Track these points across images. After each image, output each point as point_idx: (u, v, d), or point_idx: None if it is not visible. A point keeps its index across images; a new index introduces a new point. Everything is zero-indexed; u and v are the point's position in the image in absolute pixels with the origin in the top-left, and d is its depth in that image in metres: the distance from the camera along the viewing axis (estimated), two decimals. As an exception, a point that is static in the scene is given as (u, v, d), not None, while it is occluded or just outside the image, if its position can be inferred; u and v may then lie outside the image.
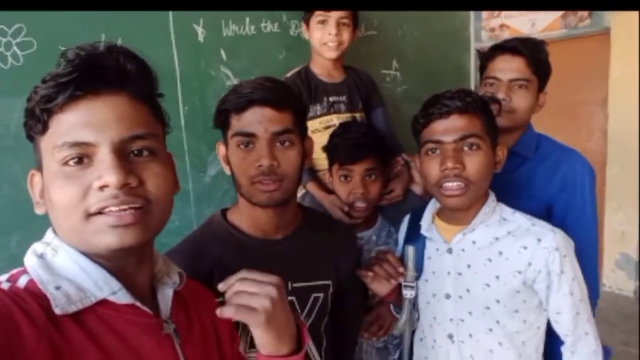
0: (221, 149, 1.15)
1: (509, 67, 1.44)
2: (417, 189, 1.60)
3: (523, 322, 1.18)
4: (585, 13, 4.16)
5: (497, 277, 1.16)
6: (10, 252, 1.43)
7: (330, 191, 1.58)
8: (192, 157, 1.74)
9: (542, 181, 1.44)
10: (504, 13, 4.59)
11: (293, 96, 1.13)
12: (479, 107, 1.15)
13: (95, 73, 0.66)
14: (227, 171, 1.15)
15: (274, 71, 1.78)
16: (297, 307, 1.15)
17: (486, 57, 1.51)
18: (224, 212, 1.20)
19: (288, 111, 1.08)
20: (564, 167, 1.45)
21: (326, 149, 1.53)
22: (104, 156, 0.64)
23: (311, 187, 1.67)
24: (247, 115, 1.06)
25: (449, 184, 1.13)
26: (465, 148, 1.13)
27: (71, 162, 0.64)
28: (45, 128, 0.65)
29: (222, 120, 1.11)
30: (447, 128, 1.13)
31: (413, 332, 1.35)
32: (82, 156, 0.64)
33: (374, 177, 1.47)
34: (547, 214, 1.41)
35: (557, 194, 1.42)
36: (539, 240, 1.14)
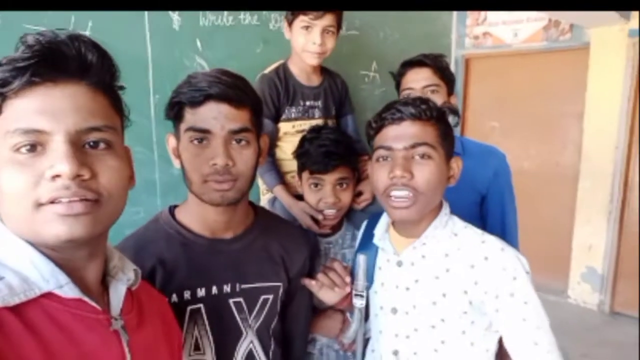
0: (171, 140, 1.10)
1: (419, 77, 1.67)
2: None
3: (470, 344, 1.12)
4: (566, 27, 4.21)
5: (444, 295, 1.11)
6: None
7: (298, 196, 1.55)
8: (161, 147, 1.68)
9: (477, 173, 1.64)
10: (488, 21, 4.63)
11: (251, 92, 1.08)
12: (434, 115, 1.11)
13: (55, 61, 0.64)
14: (177, 165, 1.10)
15: (251, 64, 1.75)
16: (245, 308, 1.12)
17: (399, 73, 1.73)
18: (172, 209, 1.16)
19: (246, 109, 1.05)
20: (494, 160, 1.71)
21: (296, 154, 1.49)
22: (58, 145, 0.63)
23: (279, 191, 1.63)
24: (202, 110, 1.01)
25: (396, 193, 1.08)
26: (416, 157, 1.08)
27: (23, 150, 0.63)
28: None
29: (174, 113, 1.06)
30: (398, 134, 1.09)
31: (368, 341, 1.32)
32: (35, 144, 0.63)
33: (345, 186, 1.44)
34: (480, 201, 1.69)
35: (491, 182, 1.68)
36: (486, 258, 1.09)
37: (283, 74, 1.71)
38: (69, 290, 0.66)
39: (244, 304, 1.12)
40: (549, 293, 4.16)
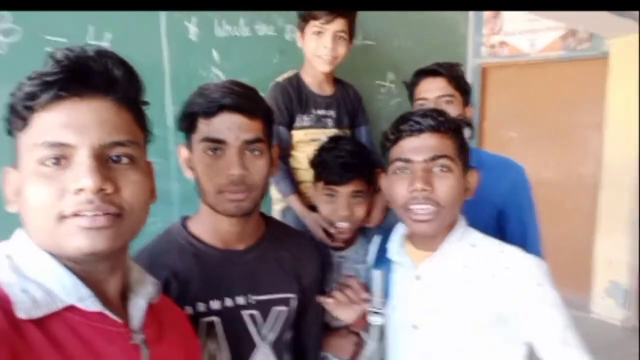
0: (183, 152, 1.11)
1: (433, 87, 1.61)
2: None
3: (494, 356, 1.10)
4: (584, 36, 4.17)
5: (466, 307, 1.09)
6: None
7: (312, 207, 1.53)
8: (177, 158, 1.69)
9: (493, 187, 1.51)
10: (504, 30, 4.60)
11: (263, 103, 1.10)
12: (452, 128, 1.10)
13: (82, 76, 0.66)
14: (189, 175, 1.10)
15: (267, 75, 1.76)
16: (259, 320, 1.11)
17: (412, 83, 1.68)
18: (184, 220, 1.16)
19: (259, 119, 1.05)
20: (511, 173, 1.66)
21: (312, 163, 1.48)
22: (82, 159, 0.64)
23: (293, 200, 1.62)
24: (216, 120, 1.02)
25: (417, 207, 1.06)
26: (436, 169, 1.07)
27: (48, 162, 0.64)
28: (25, 125, 0.65)
29: (187, 124, 1.06)
30: (418, 147, 1.07)
31: None
32: (60, 157, 0.64)
33: (360, 199, 1.41)
34: (497, 215, 1.60)
35: (508, 196, 1.61)
36: (508, 268, 1.07)
37: (296, 82, 1.72)
38: (90, 304, 0.67)
39: (257, 316, 1.11)
40: (571, 308, 4.05)
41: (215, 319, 1.07)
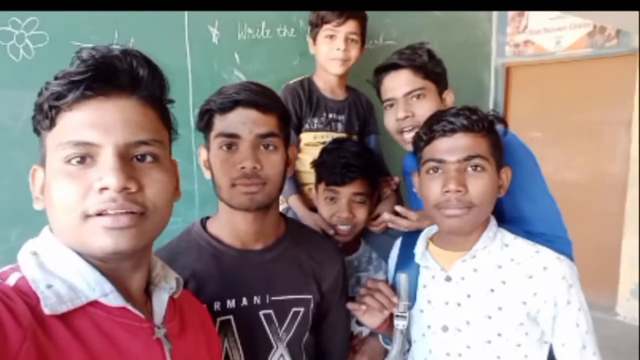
0: (202, 152, 1.13)
1: (397, 84, 1.40)
2: (402, 222, 1.37)
3: (524, 357, 1.11)
4: (612, 32, 4.07)
5: (500, 308, 1.09)
6: (9, 245, 1.42)
7: (313, 208, 1.53)
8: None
9: None
10: (529, 29, 4.52)
11: (278, 101, 1.12)
12: (485, 126, 1.09)
13: (108, 75, 0.67)
14: (207, 175, 1.12)
15: (288, 77, 1.77)
16: (276, 321, 1.12)
17: (375, 82, 1.48)
18: (204, 220, 1.18)
19: (273, 114, 1.07)
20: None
21: (315, 164, 1.48)
22: (107, 158, 0.65)
23: (293, 201, 1.62)
24: (231, 116, 1.04)
25: (449, 211, 1.07)
26: (469, 169, 1.06)
27: (74, 161, 0.65)
28: (52, 124, 0.66)
29: (205, 122, 1.08)
30: (451, 147, 1.07)
31: None
32: (85, 156, 0.65)
33: (361, 201, 1.40)
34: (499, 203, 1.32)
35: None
36: (545, 268, 1.08)
37: (307, 85, 1.72)
38: (113, 299, 0.68)
39: (274, 316, 1.11)
40: (596, 310, 3.97)
41: (230, 317, 1.08)
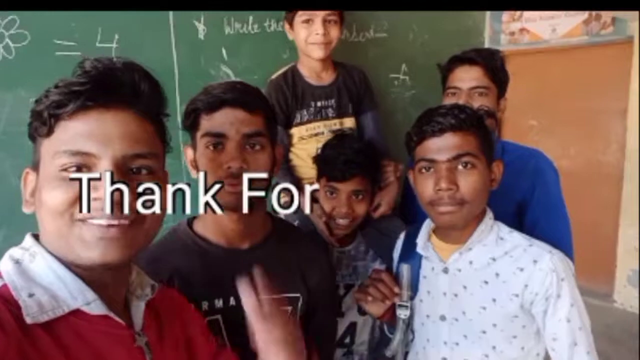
0: (188, 152, 1.11)
1: (467, 77, 1.50)
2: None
3: (521, 348, 1.13)
4: (608, 20, 4.05)
5: (494, 300, 1.12)
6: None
7: (315, 200, 1.52)
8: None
9: (512, 179, 1.36)
10: (524, 17, 4.49)
11: (264, 100, 1.11)
12: (474, 123, 1.10)
13: (110, 87, 0.67)
14: (194, 175, 1.11)
15: (277, 71, 1.73)
16: None
17: (446, 69, 1.56)
18: (190, 221, 1.16)
19: (259, 114, 1.06)
20: (533, 162, 1.49)
21: (316, 159, 1.48)
22: (104, 170, 0.65)
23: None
24: (218, 115, 1.03)
25: (442, 208, 1.09)
26: (460, 167, 1.08)
27: (70, 170, 0.65)
28: (50, 132, 0.66)
29: (191, 121, 1.07)
30: (441, 147, 1.09)
31: (407, 353, 1.30)
32: (82, 166, 0.65)
33: (360, 197, 1.41)
34: (517, 211, 1.44)
35: (529, 189, 1.45)
36: (535, 261, 1.09)
37: (291, 77, 1.69)
38: (95, 307, 0.67)
39: None
40: (593, 297, 3.99)
41: (218, 317, 1.07)
